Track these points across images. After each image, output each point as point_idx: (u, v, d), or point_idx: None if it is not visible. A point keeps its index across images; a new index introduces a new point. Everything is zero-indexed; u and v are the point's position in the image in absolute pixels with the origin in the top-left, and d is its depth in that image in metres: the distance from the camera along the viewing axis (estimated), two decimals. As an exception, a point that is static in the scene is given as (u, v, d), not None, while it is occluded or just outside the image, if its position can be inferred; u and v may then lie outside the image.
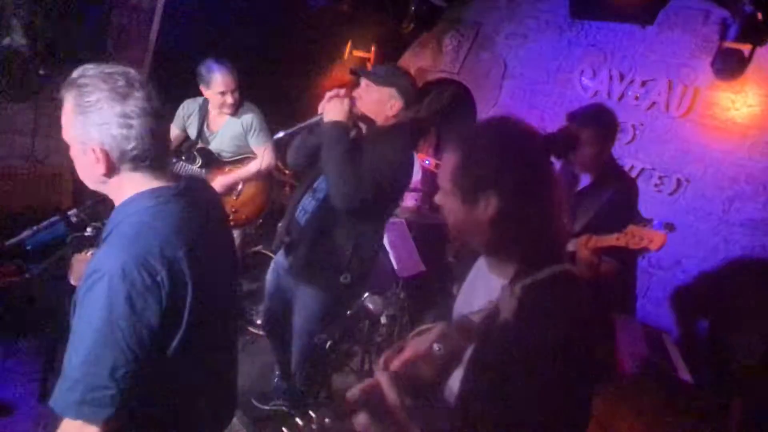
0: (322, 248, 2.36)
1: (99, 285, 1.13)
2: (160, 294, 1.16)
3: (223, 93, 3.03)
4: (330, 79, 4.77)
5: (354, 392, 1.00)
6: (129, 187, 1.26)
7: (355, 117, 2.26)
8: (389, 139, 2.26)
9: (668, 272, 3.80)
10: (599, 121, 2.51)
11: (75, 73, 1.24)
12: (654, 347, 2.77)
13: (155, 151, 1.25)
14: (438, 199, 1.18)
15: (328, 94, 2.23)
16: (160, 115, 1.26)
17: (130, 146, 1.21)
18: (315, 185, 2.42)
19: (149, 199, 1.25)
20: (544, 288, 1.04)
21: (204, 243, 1.30)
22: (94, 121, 1.19)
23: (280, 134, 2.53)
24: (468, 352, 1.09)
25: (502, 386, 1.00)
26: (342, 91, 2.23)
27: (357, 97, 2.28)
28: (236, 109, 3.16)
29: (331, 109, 2.19)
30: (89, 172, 1.26)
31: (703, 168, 3.68)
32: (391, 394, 0.97)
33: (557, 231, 1.14)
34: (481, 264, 1.26)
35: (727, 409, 2.20)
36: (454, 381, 1.13)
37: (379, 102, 2.27)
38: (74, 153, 1.26)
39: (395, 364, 1.11)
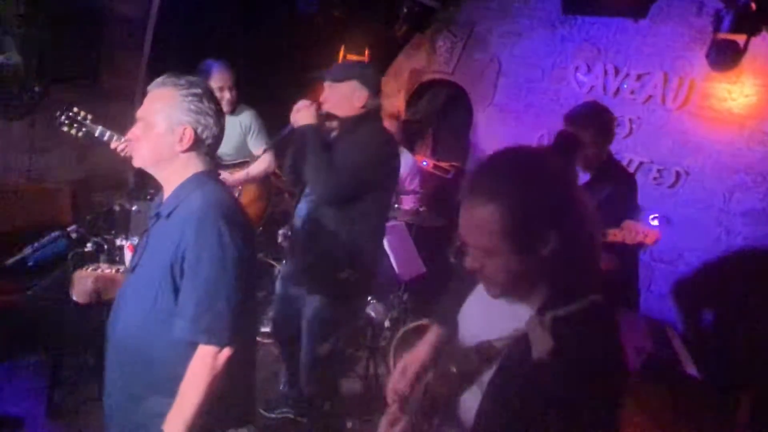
0: (317, 248, 2.39)
1: (211, 230, 1.40)
2: (247, 236, 1.48)
3: (221, 89, 3.07)
4: (324, 84, 4.78)
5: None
6: (192, 167, 1.52)
7: (324, 118, 2.38)
8: (361, 126, 2.35)
9: (670, 265, 3.79)
10: (598, 122, 2.52)
11: (167, 77, 1.52)
12: (658, 341, 2.76)
13: (218, 146, 1.59)
14: (474, 263, 1.05)
15: (296, 106, 2.35)
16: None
17: (213, 134, 1.53)
18: (307, 190, 2.49)
19: (207, 176, 1.54)
20: (580, 322, 0.99)
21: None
22: (194, 109, 1.48)
23: (260, 151, 2.97)
24: (487, 377, 1.06)
25: (527, 416, 0.97)
26: (307, 101, 2.35)
27: (324, 101, 2.38)
28: (233, 108, 3.20)
29: (300, 117, 2.33)
30: (164, 149, 1.49)
31: (702, 160, 3.68)
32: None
33: (590, 258, 1.05)
34: None
35: (735, 403, 2.19)
36: (466, 402, 1.12)
37: (345, 97, 2.34)
38: (154, 132, 1.48)
39: (402, 383, 1.11)
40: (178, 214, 1.47)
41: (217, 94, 3.05)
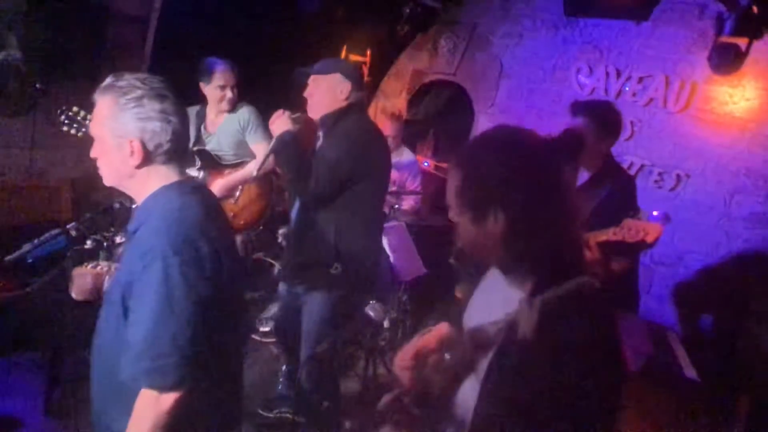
0: (306, 246, 2.45)
1: (155, 263, 1.24)
2: (206, 266, 1.29)
3: (222, 87, 3.09)
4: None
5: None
6: (156, 180, 1.36)
7: (301, 122, 2.43)
8: (343, 119, 2.40)
9: (671, 268, 3.79)
10: (603, 115, 2.50)
11: (109, 79, 1.34)
12: (658, 345, 2.75)
13: (183, 148, 1.40)
14: (451, 216, 1.15)
15: (271, 119, 2.42)
16: (186, 116, 1.40)
17: (166, 139, 1.32)
18: None
19: (175, 190, 1.36)
20: (567, 302, 1.01)
21: (225, 231, 1.45)
22: (135, 116, 1.29)
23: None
24: (483, 363, 1.06)
25: (522, 399, 0.98)
26: (279, 111, 2.42)
27: (309, 95, 2.44)
28: (234, 106, 3.20)
29: (276, 126, 2.40)
30: (119, 167, 1.34)
31: (703, 163, 3.67)
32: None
33: (572, 241, 1.09)
34: (496, 274, 1.21)
35: (734, 406, 2.19)
36: (465, 390, 1.12)
37: (329, 89, 2.40)
38: (106, 149, 1.33)
39: (404, 365, 1.11)
40: (141, 233, 1.32)
41: (219, 92, 3.09)
